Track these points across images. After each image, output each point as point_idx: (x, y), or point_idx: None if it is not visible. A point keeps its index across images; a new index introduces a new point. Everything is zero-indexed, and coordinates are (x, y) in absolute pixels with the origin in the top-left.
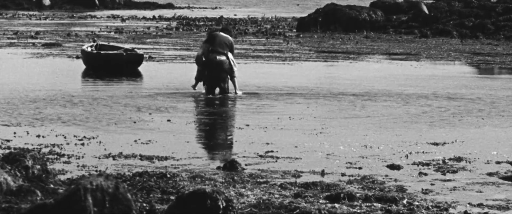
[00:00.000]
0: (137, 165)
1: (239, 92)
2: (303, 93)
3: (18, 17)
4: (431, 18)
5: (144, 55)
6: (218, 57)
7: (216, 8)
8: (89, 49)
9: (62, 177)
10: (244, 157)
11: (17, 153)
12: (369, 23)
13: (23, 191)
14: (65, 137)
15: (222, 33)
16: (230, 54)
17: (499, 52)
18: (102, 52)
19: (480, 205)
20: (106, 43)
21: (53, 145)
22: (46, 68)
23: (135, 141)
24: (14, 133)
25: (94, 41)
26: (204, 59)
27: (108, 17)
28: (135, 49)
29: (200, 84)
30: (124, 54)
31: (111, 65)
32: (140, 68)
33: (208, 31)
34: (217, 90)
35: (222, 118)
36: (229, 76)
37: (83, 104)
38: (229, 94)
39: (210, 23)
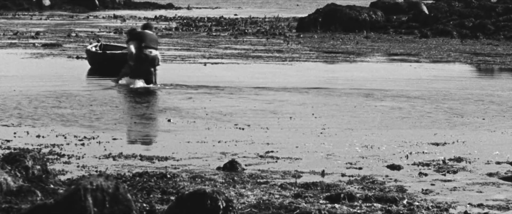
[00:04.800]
0: (137, 165)
1: (158, 84)
2: (304, 94)
3: (19, 17)
4: (431, 18)
5: None
6: (153, 52)
7: (216, 8)
8: (94, 49)
9: (62, 178)
10: (244, 157)
11: (17, 153)
12: (369, 23)
13: (23, 191)
14: (65, 137)
15: (148, 31)
16: (158, 51)
17: (499, 53)
18: (108, 52)
19: (480, 205)
20: (109, 43)
21: (53, 145)
22: (46, 68)
23: (135, 141)
24: (14, 133)
25: (98, 41)
26: (136, 54)
27: (109, 17)
28: None
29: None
30: None
31: (117, 65)
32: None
33: (129, 30)
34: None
35: (222, 117)
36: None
37: (83, 104)
38: (154, 86)
39: (210, 23)
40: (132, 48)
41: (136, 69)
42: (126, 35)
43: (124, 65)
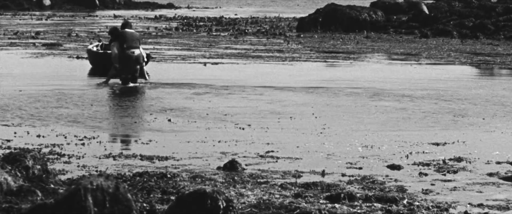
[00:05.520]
0: (138, 165)
1: (148, 78)
2: (304, 94)
3: (19, 16)
4: (431, 18)
5: (152, 56)
6: (136, 52)
7: (216, 8)
8: (95, 49)
9: (63, 177)
10: (244, 157)
11: (17, 153)
12: (369, 23)
13: (23, 191)
14: (65, 137)
15: (128, 30)
16: (141, 47)
17: (499, 52)
18: (108, 51)
19: (480, 205)
20: None
21: (54, 145)
22: (47, 68)
23: (136, 141)
24: (15, 133)
25: (99, 41)
26: (119, 55)
27: (109, 16)
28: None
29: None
30: None
31: None
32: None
33: (111, 29)
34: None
35: (222, 117)
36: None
37: (83, 104)
38: (142, 81)
39: (210, 23)
40: (115, 49)
41: (122, 70)
42: (109, 35)
43: (110, 68)
